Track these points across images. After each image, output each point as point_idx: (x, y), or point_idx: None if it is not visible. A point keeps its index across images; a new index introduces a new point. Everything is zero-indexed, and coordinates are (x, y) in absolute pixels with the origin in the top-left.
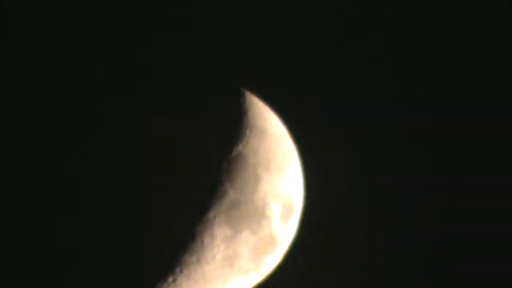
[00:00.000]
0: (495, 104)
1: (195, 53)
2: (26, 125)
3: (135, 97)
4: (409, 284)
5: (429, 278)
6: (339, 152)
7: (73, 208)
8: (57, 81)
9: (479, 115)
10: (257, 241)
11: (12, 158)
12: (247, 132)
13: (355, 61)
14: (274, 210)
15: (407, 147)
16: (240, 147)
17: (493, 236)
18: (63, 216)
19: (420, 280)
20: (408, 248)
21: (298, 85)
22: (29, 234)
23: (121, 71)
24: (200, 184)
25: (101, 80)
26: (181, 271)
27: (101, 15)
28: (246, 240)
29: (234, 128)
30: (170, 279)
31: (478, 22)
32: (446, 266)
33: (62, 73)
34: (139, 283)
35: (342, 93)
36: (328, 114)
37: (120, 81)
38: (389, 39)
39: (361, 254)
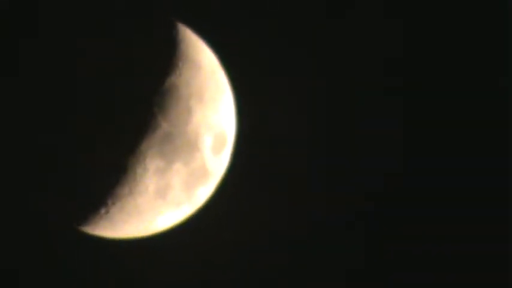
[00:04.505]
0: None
1: None
2: None
3: (67, 30)
4: (347, 219)
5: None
6: (272, 85)
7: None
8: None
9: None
10: (189, 173)
11: None
12: (180, 64)
13: None
14: (206, 142)
15: (338, 76)
16: (173, 79)
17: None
18: None
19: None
20: (343, 184)
21: (230, 17)
22: None
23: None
24: (133, 116)
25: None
26: (113, 203)
27: None
28: (179, 172)
29: (166, 59)
30: (103, 211)
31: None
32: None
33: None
34: (72, 215)
35: (273, 25)
36: (260, 47)
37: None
38: None
39: (293, 185)
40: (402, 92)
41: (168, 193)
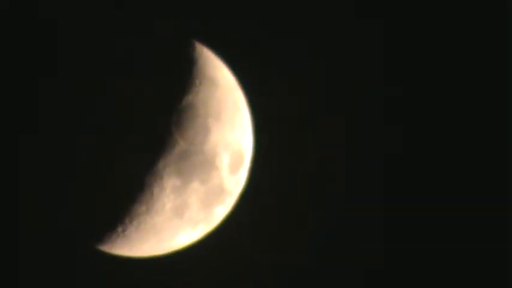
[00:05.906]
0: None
1: (142, 5)
2: None
3: (85, 53)
4: (362, 232)
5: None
6: (289, 103)
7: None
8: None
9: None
10: (206, 192)
11: None
12: (197, 82)
13: (305, 7)
14: (223, 160)
15: (356, 92)
16: (190, 98)
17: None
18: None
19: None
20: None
21: (247, 35)
22: None
23: (74, 31)
24: (150, 135)
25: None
26: (130, 221)
27: None
28: (196, 190)
29: (183, 78)
30: (120, 229)
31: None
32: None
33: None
34: (88, 233)
35: (291, 43)
36: (277, 64)
37: (75, 41)
38: None
39: (311, 203)
40: (402, 92)
41: (185, 212)
